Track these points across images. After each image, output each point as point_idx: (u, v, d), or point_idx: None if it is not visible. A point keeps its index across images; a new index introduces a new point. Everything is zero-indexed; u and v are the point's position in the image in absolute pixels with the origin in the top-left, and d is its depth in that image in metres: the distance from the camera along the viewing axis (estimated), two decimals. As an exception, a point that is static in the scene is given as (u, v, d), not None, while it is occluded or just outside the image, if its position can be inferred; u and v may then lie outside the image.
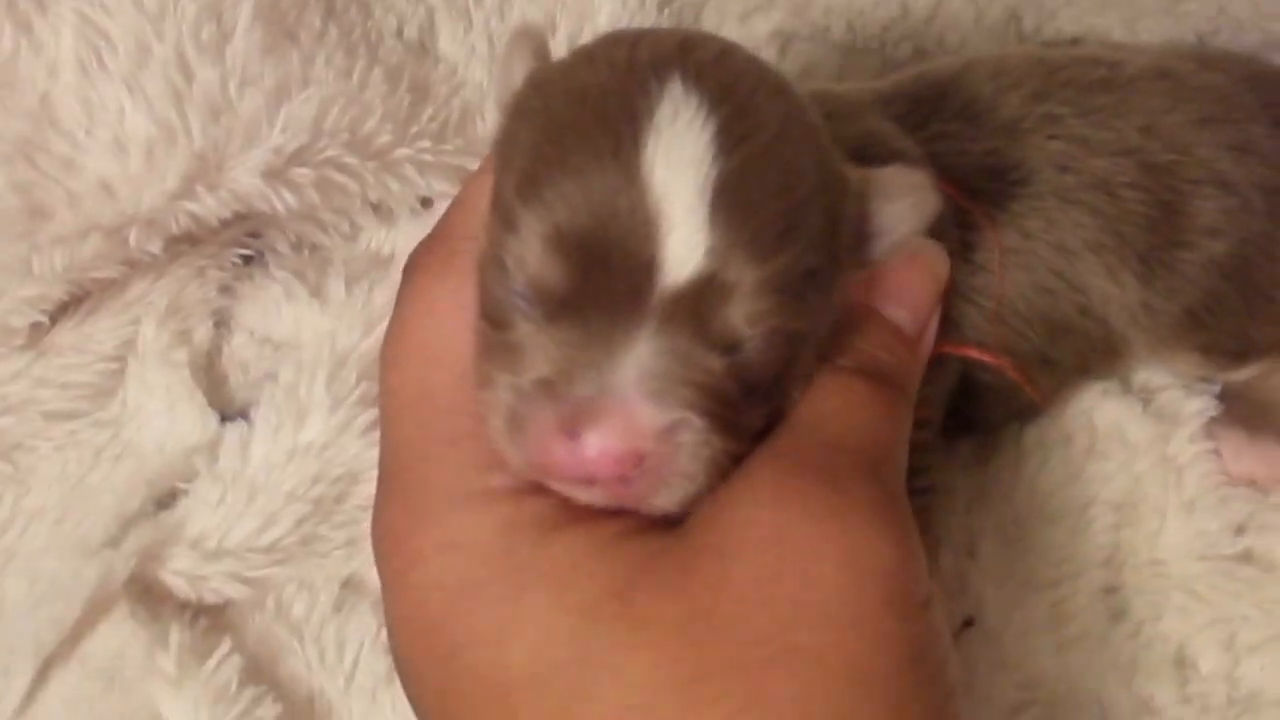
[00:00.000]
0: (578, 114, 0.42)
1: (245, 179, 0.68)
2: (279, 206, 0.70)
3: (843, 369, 0.47)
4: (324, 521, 0.69)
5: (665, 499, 0.42)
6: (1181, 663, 0.65)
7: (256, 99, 0.68)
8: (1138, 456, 0.67)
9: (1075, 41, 0.82)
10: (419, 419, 0.47)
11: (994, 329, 0.61)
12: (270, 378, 0.74)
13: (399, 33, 0.78)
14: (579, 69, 0.45)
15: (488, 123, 0.79)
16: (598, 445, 0.39)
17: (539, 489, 0.43)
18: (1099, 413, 0.68)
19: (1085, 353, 0.65)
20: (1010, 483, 0.67)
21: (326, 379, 0.69)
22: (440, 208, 0.75)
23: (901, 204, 0.47)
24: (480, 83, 0.80)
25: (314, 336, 0.75)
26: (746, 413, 0.43)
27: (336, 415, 0.69)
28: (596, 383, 0.40)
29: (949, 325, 0.57)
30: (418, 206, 0.80)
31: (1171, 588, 0.65)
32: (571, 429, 0.40)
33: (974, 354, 0.59)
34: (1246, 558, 0.66)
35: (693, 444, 0.41)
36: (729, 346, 0.41)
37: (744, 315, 0.41)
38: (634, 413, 0.39)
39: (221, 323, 0.77)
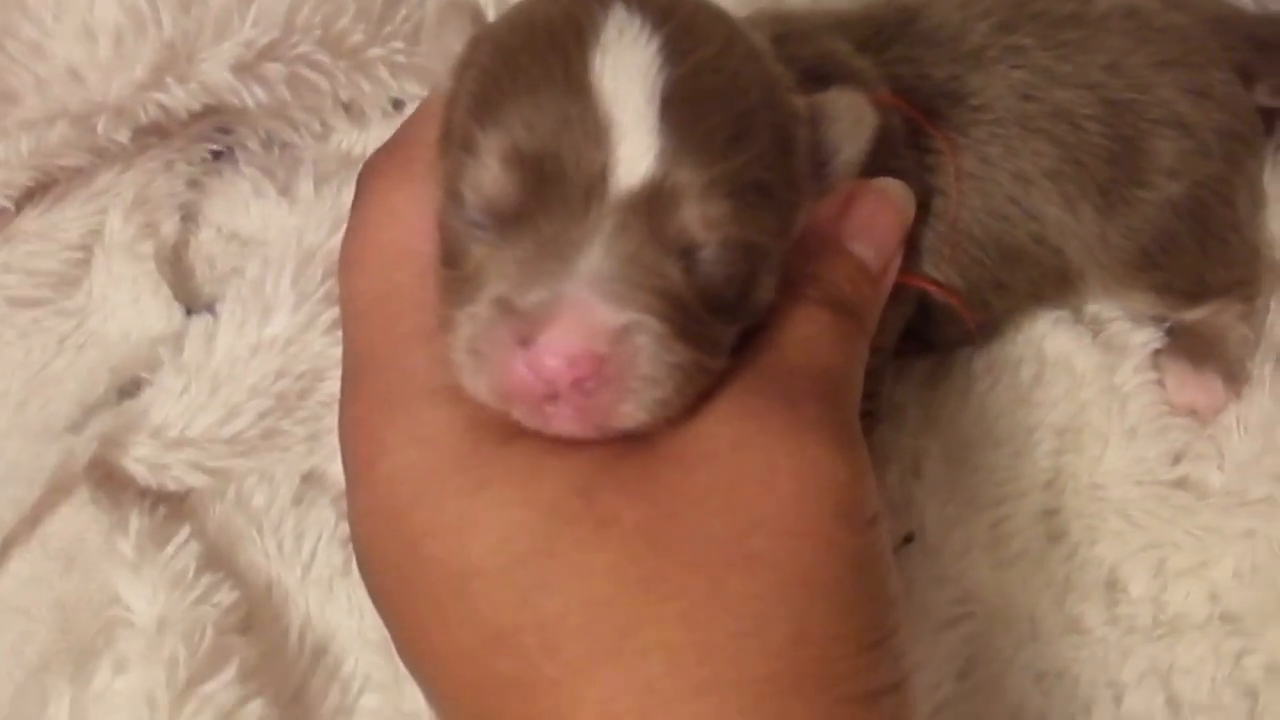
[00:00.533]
0: (526, 40, 0.44)
1: (215, 71, 0.68)
2: (249, 101, 0.71)
3: (807, 299, 0.48)
4: (286, 416, 0.69)
5: (632, 407, 0.41)
6: (1113, 585, 0.67)
7: (227, -8, 0.68)
8: (1084, 384, 0.69)
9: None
10: (384, 317, 0.47)
11: (948, 251, 0.62)
12: (237, 273, 0.74)
13: (372, -69, 0.77)
14: (524, 8, 0.46)
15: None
16: (552, 347, 0.39)
17: None
18: (1049, 341, 0.70)
19: (1038, 280, 0.67)
20: (958, 406, 0.68)
21: (292, 275, 0.70)
22: (411, 110, 0.76)
23: (842, 124, 0.48)
24: (456, -15, 0.79)
25: (280, 234, 0.75)
26: (711, 326, 0.43)
27: (301, 311, 0.70)
28: (550, 289, 0.40)
29: (904, 248, 0.58)
30: (389, 108, 0.80)
31: (1109, 511, 0.67)
32: (527, 337, 0.40)
33: (924, 284, 0.61)
34: (1181, 484, 0.68)
35: (653, 347, 0.41)
36: (684, 250, 0.42)
37: (697, 218, 0.41)
38: (587, 313, 0.40)
39: (189, 217, 0.77)
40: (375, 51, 0.74)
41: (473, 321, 0.42)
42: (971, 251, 0.63)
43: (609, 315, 0.40)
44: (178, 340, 0.71)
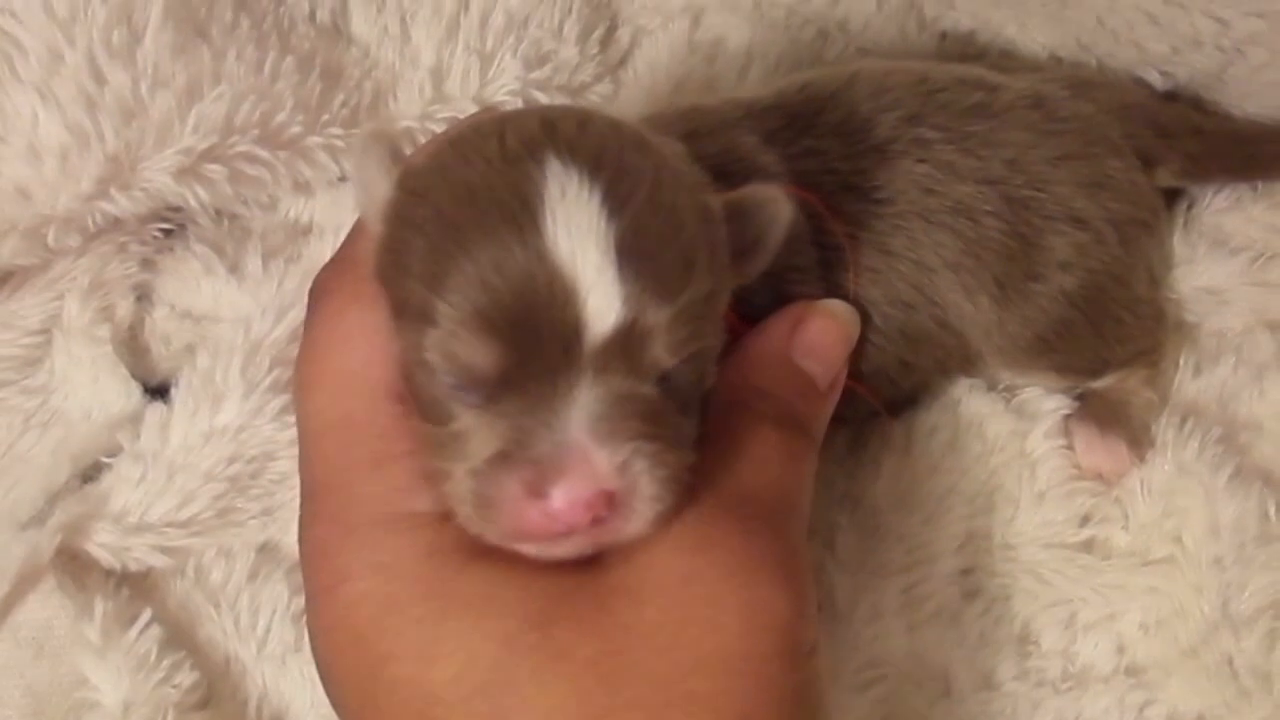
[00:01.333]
0: (472, 212, 0.46)
1: (158, 178, 0.71)
2: (192, 202, 0.74)
3: (761, 417, 0.51)
4: (240, 495, 0.73)
5: (639, 524, 0.45)
6: (1025, 639, 0.71)
7: (168, 100, 0.70)
8: (995, 450, 0.72)
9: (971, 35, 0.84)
10: (341, 442, 0.50)
11: None
12: (191, 350, 0.78)
13: (311, 16, 0.80)
14: (455, 168, 0.48)
15: (399, 103, 0.81)
16: (568, 497, 0.43)
17: None
18: (962, 407, 0.73)
19: (943, 359, 0.70)
20: (871, 476, 0.72)
21: (240, 366, 0.73)
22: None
23: (760, 218, 0.52)
24: (393, 64, 0.82)
25: (231, 313, 0.78)
26: (682, 426, 0.48)
27: (250, 400, 0.73)
28: (550, 441, 0.44)
29: None
30: (334, 180, 0.83)
31: (1020, 571, 0.71)
32: (539, 489, 0.43)
33: None
34: (1088, 546, 0.72)
35: (650, 468, 0.45)
36: (659, 376, 0.46)
37: (665, 348, 0.45)
38: (593, 457, 0.43)
39: (144, 296, 0.80)
40: (314, 140, 0.77)
41: (475, 477, 0.45)
42: (874, 339, 0.66)
43: (610, 455, 0.44)
44: (135, 422, 0.75)
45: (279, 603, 0.71)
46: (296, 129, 0.75)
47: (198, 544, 0.72)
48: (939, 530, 0.71)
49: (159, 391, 0.77)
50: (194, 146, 0.71)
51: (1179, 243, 0.79)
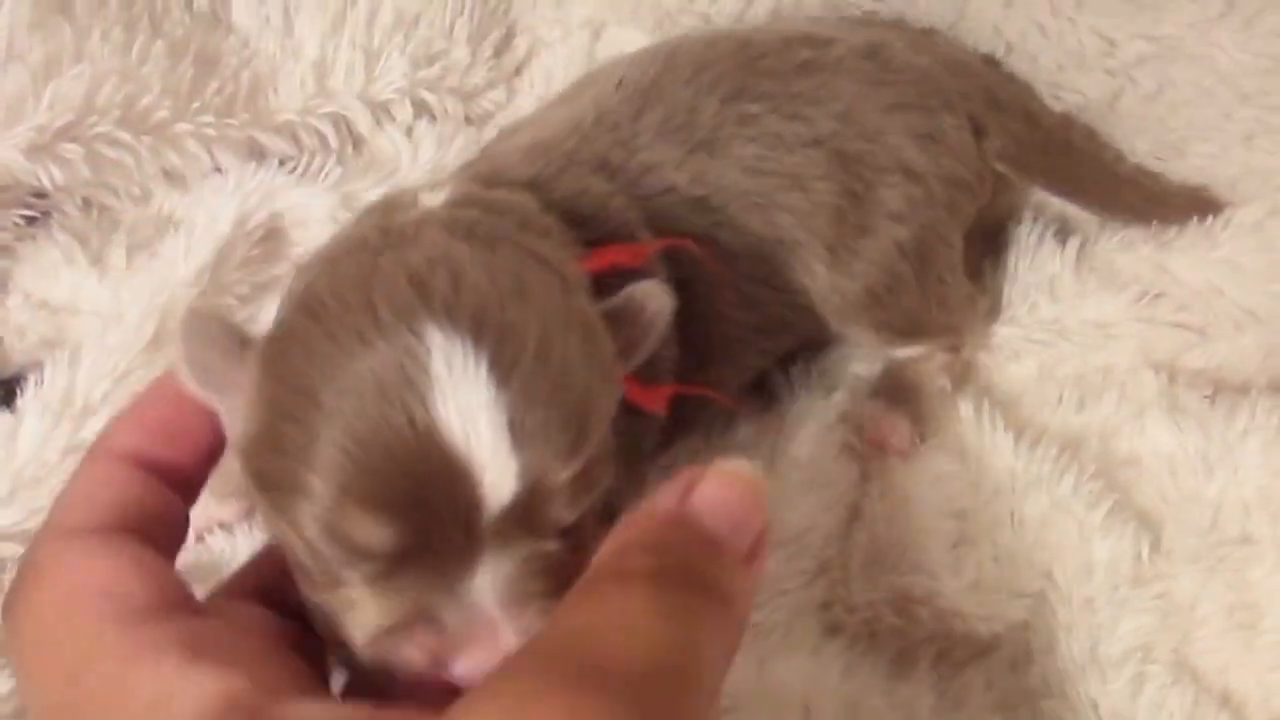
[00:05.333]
0: (355, 398, 0.42)
1: (7, 154, 0.69)
2: (46, 181, 0.71)
3: (637, 576, 0.38)
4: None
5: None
6: (893, 675, 0.68)
7: (22, 74, 0.68)
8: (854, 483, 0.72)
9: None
10: None
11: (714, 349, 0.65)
12: (47, 344, 0.74)
13: (188, 4, 0.78)
14: (326, 349, 0.43)
15: (279, 96, 0.79)
16: (472, 666, 0.42)
17: None
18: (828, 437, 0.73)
19: (799, 336, 0.72)
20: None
21: (107, 387, 0.69)
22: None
23: (642, 320, 0.50)
24: (274, 55, 0.80)
25: (90, 305, 0.75)
26: (579, 557, 0.44)
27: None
28: (456, 612, 0.42)
29: (656, 367, 0.59)
30: (210, 171, 0.80)
31: (882, 602, 0.68)
32: (442, 660, 0.42)
33: (682, 390, 0.62)
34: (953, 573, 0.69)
35: (541, 618, 0.42)
36: (559, 533, 0.44)
37: (563, 509, 0.44)
38: (499, 628, 0.42)
39: (-1, 284, 0.77)
40: (183, 127, 0.75)
41: (373, 647, 0.43)
42: (732, 335, 0.66)
43: (516, 623, 0.42)
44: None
45: None
46: (163, 114, 0.73)
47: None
48: (791, 566, 0.69)
49: (9, 385, 0.73)
50: (48, 124, 0.69)
51: (1071, 277, 0.78)
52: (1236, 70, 0.78)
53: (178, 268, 0.73)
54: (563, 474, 0.43)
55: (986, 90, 0.74)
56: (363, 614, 0.43)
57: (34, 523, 0.66)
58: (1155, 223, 0.79)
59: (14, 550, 0.66)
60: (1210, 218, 0.78)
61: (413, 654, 0.42)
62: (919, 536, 0.70)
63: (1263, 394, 0.74)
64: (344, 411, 0.42)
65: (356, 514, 0.42)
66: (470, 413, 0.42)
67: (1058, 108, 0.81)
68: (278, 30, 0.80)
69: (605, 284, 0.52)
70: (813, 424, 0.72)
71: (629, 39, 0.89)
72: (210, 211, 0.76)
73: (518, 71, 0.88)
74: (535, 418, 0.42)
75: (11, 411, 0.70)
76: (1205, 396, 0.74)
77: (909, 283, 0.70)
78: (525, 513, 0.43)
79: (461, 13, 0.83)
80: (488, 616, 0.42)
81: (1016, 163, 0.75)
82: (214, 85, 0.76)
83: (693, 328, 0.63)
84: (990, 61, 0.81)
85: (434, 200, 0.54)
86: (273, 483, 0.44)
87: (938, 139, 0.69)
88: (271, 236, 0.76)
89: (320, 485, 0.42)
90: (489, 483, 0.42)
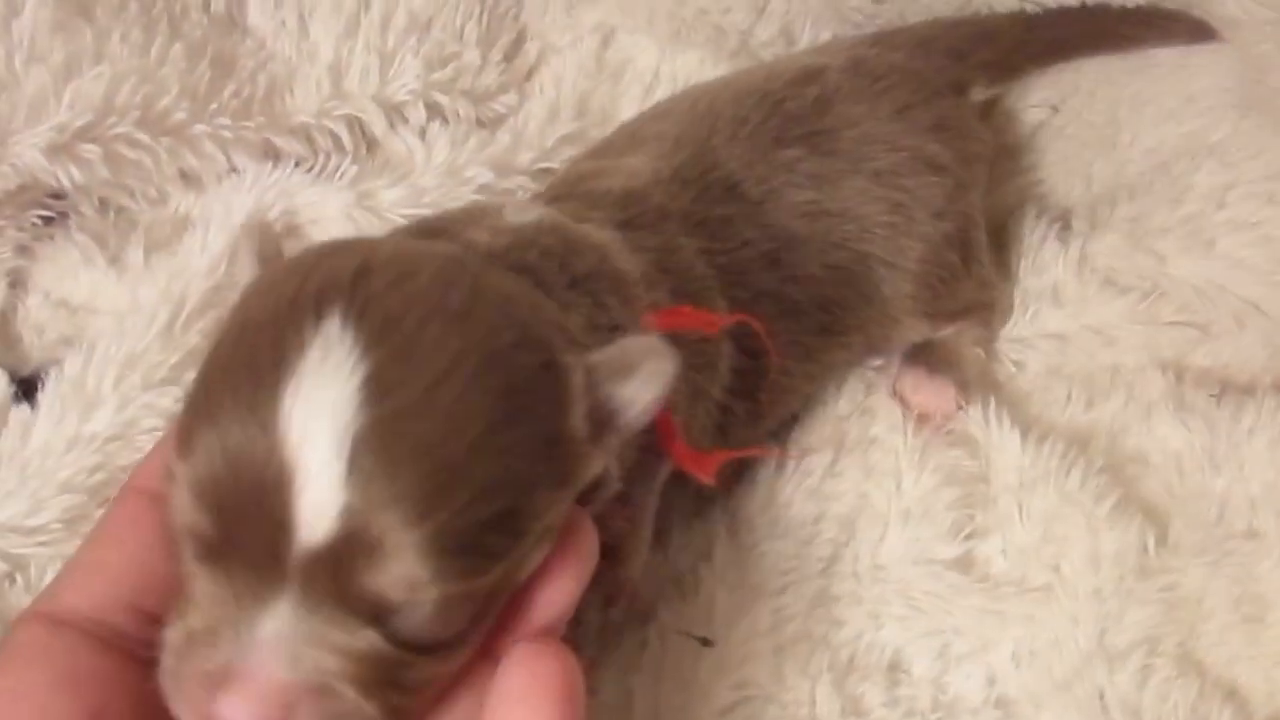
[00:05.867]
0: (231, 355, 0.40)
1: (28, 154, 0.70)
2: (65, 181, 0.72)
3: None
4: (100, 507, 0.69)
5: None
6: (895, 666, 0.69)
7: (43, 75, 0.69)
8: (869, 473, 0.72)
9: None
10: None
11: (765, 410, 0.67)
12: (66, 342, 0.75)
13: (206, 6, 0.79)
14: (256, 300, 0.42)
15: (295, 98, 0.80)
16: (228, 709, 0.37)
17: None
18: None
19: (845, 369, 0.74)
20: (749, 491, 0.71)
21: (115, 376, 0.70)
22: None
23: (637, 376, 0.45)
24: (290, 58, 0.81)
25: (109, 305, 0.76)
26: (427, 666, 0.40)
27: (125, 412, 0.69)
28: (234, 645, 0.38)
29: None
30: (225, 174, 0.81)
31: (891, 594, 0.69)
32: (211, 689, 0.38)
33: (734, 455, 0.62)
34: (964, 566, 0.70)
35: (336, 711, 0.38)
36: (378, 614, 0.38)
37: (395, 581, 0.38)
38: (264, 679, 0.37)
39: (18, 283, 0.78)
40: (200, 128, 0.76)
41: (174, 650, 0.40)
42: (784, 384, 0.68)
43: (283, 683, 0.38)
44: (2, 412, 0.71)
45: None
46: (181, 115, 0.74)
47: (40, 554, 0.68)
48: (809, 552, 0.70)
49: (29, 383, 0.74)
50: (68, 124, 0.70)
51: (1074, 282, 0.80)
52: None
53: (193, 259, 0.74)
54: (401, 536, 0.37)
55: (947, 50, 0.79)
56: (186, 601, 0.40)
57: (38, 519, 0.67)
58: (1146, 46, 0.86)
59: (19, 543, 0.67)
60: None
61: (195, 670, 0.39)
62: (927, 529, 0.70)
63: (1268, 393, 0.74)
64: (221, 371, 0.40)
65: (185, 493, 0.39)
66: (316, 414, 0.37)
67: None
68: (293, 33, 0.81)
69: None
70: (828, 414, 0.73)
71: (639, 45, 0.91)
72: (226, 206, 0.77)
73: (529, 76, 0.89)
74: (388, 454, 0.37)
75: (32, 406, 0.70)
76: (1212, 395, 0.75)
77: (958, 270, 0.72)
78: (340, 569, 0.37)
79: (471, 16, 0.84)
80: (260, 662, 0.38)
81: (1004, 76, 0.82)
82: (231, 87, 0.77)
83: (757, 391, 0.65)
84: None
85: (519, 218, 0.53)
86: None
87: (946, 124, 0.72)
88: (288, 234, 0.77)
89: (179, 445, 0.39)
90: (306, 504, 0.37)
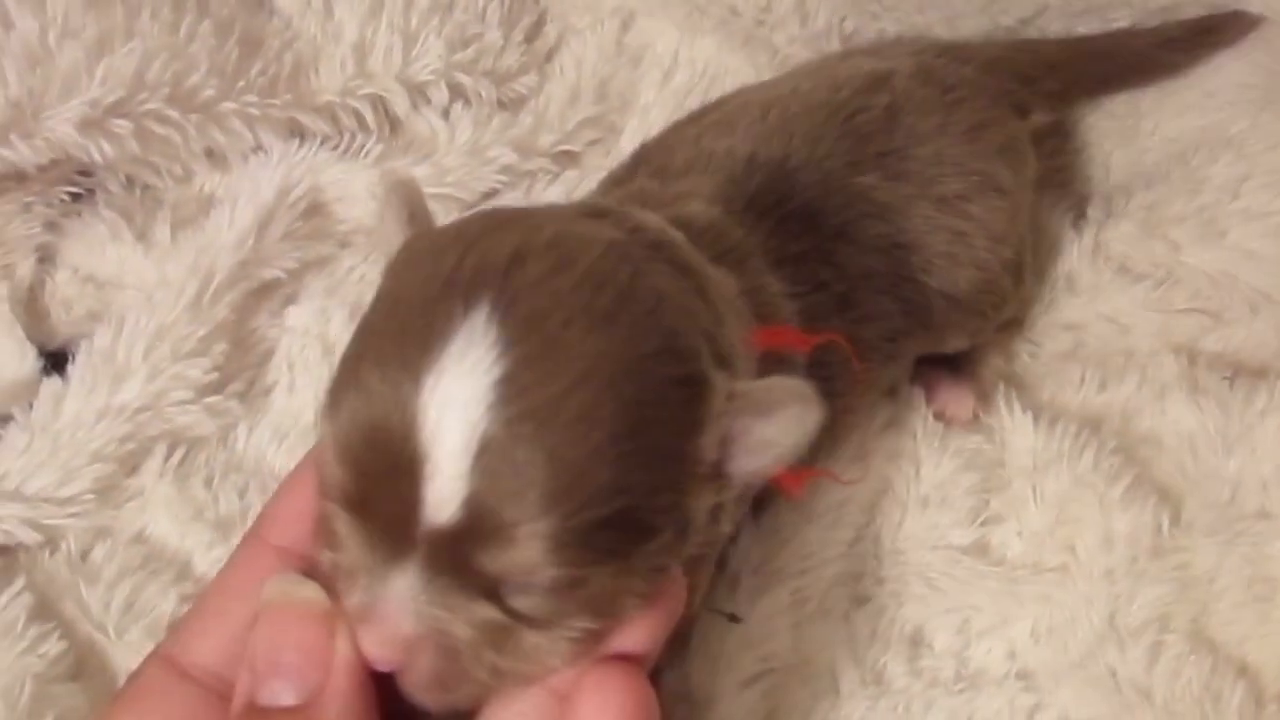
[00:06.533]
0: (384, 326, 0.42)
1: (61, 129, 0.70)
2: (97, 156, 0.72)
3: None
4: (130, 476, 0.71)
5: (447, 699, 0.43)
6: (918, 641, 0.70)
7: (76, 51, 0.70)
8: (889, 457, 0.73)
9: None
10: None
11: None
12: (93, 317, 0.76)
13: (234, -16, 0.80)
14: (410, 272, 0.43)
15: (320, 77, 0.81)
16: (365, 638, 0.41)
17: None
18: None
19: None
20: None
21: (145, 347, 0.71)
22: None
23: (781, 420, 0.44)
24: (314, 37, 0.82)
25: (136, 280, 0.77)
26: (536, 639, 0.42)
27: (155, 383, 0.71)
28: (370, 590, 0.41)
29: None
30: (250, 153, 0.82)
31: (910, 575, 0.70)
32: (357, 620, 0.42)
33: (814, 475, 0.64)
34: (981, 550, 0.72)
35: (453, 659, 0.41)
36: (494, 589, 0.41)
37: (511, 565, 0.40)
38: (391, 625, 0.41)
39: (46, 259, 0.79)
40: (228, 105, 0.76)
41: (333, 569, 0.43)
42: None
43: (407, 631, 0.41)
44: (29, 388, 0.72)
45: (143, 590, 0.68)
46: (210, 92, 0.75)
47: (73, 525, 0.69)
48: (833, 535, 0.71)
49: (57, 357, 0.75)
50: (101, 99, 0.70)
51: (1087, 269, 0.81)
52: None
53: (221, 234, 0.75)
54: (518, 525, 0.39)
55: (1016, 73, 0.77)
56: (341, 548, 0.43)
57: (73, 488, 0.68)
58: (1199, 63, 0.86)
59: (51, 513, 0.68)
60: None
61: (354, 603, 0.42)
62: (944, 515, 0.72)
63: (1280, 377, 0.76)
64: (372, 339, 0.42)
65: (331, 451, 0.41)
66: (452, 405, 0.39)
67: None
68: (318, 13, 0.82)
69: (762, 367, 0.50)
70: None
71: (658, 29, 0.91)
72: (254, 182, 0.78)
73: (549, 57, 0.90)
74: (512, 452, 0.39)
75: (63, 378, 0.71)
76: (1225, 378, 0.76)
77: (1009, 293, 0.72)
78: (460, 550, 0.40)
79: (493, -4, 0.85)
80: (389, 610, 0.41)
81: (1060, 106, 0.81)
82: (258, 66, 0.77)
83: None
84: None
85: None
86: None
87: (1014, 147, 0.72)
88: (315, 212, 0.77)
89: (329, 401, 0.42)
90: (433, 489, 0.39)
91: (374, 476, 0.40)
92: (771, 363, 0.51)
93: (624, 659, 0.44)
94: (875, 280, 0.66)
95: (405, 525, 0.40)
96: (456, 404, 0.39)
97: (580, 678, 0.42)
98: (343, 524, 0.42)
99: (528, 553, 0.39)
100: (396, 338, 0.41)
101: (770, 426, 0.44)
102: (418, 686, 0.42)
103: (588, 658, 0.43)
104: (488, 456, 0.39)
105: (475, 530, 0.39)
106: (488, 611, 0.41)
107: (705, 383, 0.43)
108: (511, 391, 0.39)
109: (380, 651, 0.41)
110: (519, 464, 0.39)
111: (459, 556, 0.40)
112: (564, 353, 0.40)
